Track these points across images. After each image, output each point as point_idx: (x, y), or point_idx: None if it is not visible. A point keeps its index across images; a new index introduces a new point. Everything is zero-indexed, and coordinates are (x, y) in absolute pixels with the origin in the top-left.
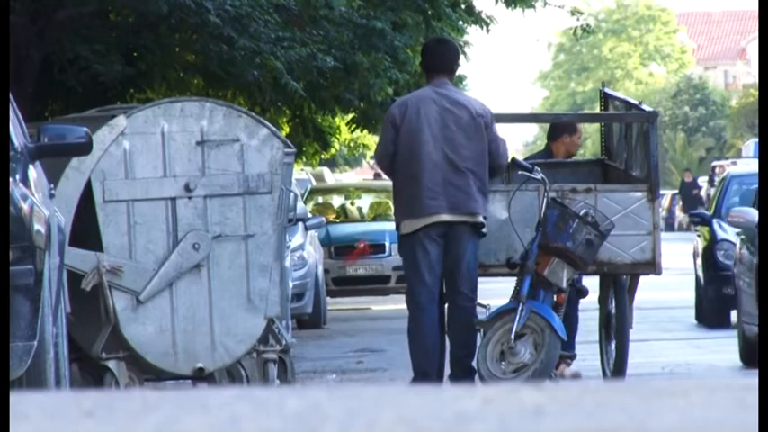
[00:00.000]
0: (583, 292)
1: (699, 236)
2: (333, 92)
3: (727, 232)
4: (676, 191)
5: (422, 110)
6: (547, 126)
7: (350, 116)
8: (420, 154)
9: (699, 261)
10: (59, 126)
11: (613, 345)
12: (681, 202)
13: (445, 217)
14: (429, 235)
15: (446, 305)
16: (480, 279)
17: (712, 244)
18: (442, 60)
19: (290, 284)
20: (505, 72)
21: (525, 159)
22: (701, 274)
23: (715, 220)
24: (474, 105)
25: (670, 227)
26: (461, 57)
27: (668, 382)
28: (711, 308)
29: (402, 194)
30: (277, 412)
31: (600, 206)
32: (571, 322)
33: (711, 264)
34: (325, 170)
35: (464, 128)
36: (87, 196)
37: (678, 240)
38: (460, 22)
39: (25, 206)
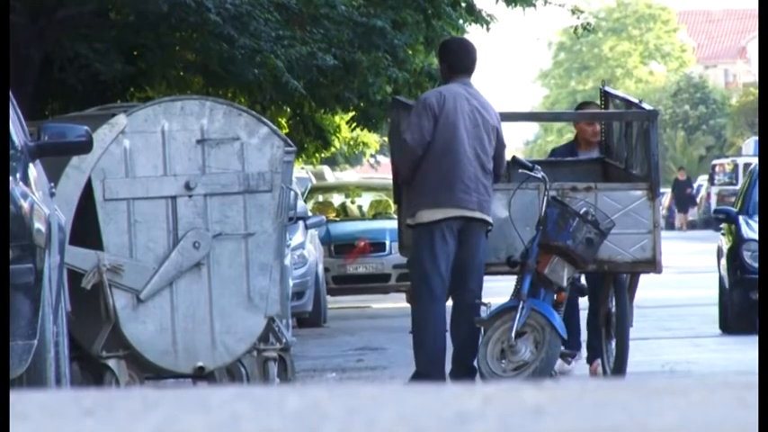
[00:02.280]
0: (583, 291)
1: (723, 234)
2: (333, 90)
3: (755, 230)
4: (669, 189)
5: (458, 105)
6: (547, 125)
7: (350, 115)
8: (458, 148)
9: (723, 262)
10: (60, 125)
11: (613, 343)
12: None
13: (470, 213)
14: (451, 227)
15: (451, 302)
16: None
17: (738, 243)
18: (471, 61)
19: (291, 283)
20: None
21: (553, 151)
22: (725, 276)
23: (741, 217)
24: (493, 110)
25: (670, 225)
26: None
27: (668, 380)
28: (737, 314)
29: (427, 184)
30: (277, 411)
31: (600, 205)
32: (574, 321)
33: (737, 265)
34: (326, 168)
35: (488, 130)
36: (88, 195)
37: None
38: (461, 21)
39: (25, 205)
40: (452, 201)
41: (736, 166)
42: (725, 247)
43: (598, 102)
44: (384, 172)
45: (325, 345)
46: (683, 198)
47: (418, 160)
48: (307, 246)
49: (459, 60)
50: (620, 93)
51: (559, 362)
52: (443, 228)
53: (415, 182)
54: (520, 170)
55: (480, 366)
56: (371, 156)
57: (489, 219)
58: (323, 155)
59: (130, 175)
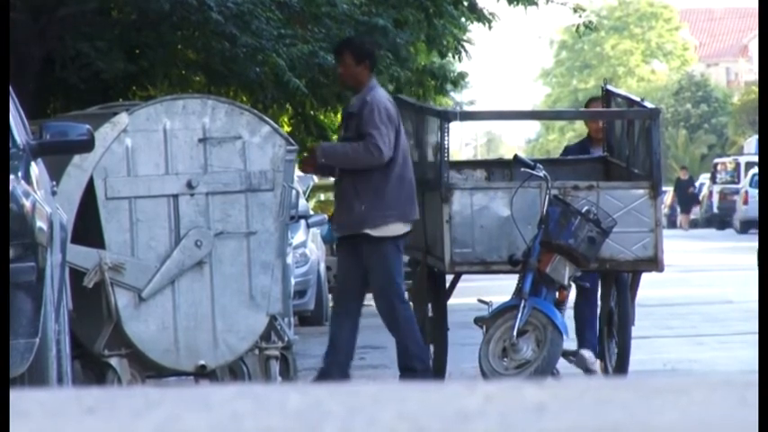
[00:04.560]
0: (585, 290)
1: None
2: (334, 89)
3: None
4: (672, 188)
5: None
6: (549, 124)
7: None
8: (410, 160)
9: None
10: (61, 123)
11: (615, 342)
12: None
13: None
14: (404, 239)
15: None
16: (482, 276)
17: None
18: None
19: (292, 281)
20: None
21: (566, 149)
22: None
23: None
24: None
25: (672, 224)
26: (463, 54)
27: (670, 379)
28: None
29: (394, 197)
30: (279, 409)
31: (602, 203)
32: (593, 321)
33: None
34: None
35: None
36: (89, 193)
37: (679, 238)
38: (462, 19)
39: (27, 203)
40: (412, 216)
41: (737, 164)
42: None
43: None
44: None
45: (326, 343)
46: (686, 197)
47: (385, 167)
48: (308, 244)
49: (374, 60)
50: (621, 91)
51: (587, 360)
52: (401, 243)
53: (381, 193)
54: (522, 169)
55: (482, 365)
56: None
57: None
58: None
59: (132, 174)
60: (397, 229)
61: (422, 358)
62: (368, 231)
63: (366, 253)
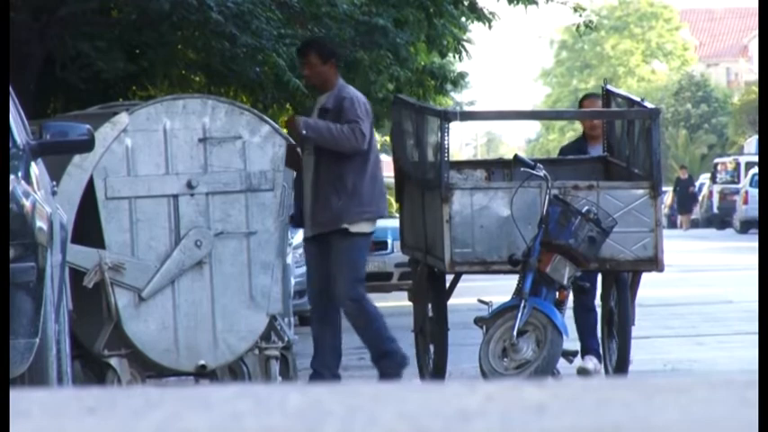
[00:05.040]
0: (585, 290)
1: None
2: None
3: None
4: (671, 188)
5: None
6: (549, 124)
7: None
8: (380, 160)
9: None
10: (62, 123)
11: (615, 342)
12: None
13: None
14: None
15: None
16: (482, 276)
17: None
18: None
19: (292, 281)
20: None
21: (562, 149)
22: None
23: None
24: None
25: (672, 224)
26: (463, 53)
27: (670, 379)
28: None
29: (368, 195)
30: (279, 409)
31: (602, 203)
32: (593, 324)
33: None
34: None
35: None
36: (89, 193)
37: (679, 238)
38: (462, 19)
39: (27, 203)
40: (386, 211)
41: (738, 164)
42: None
43: (600, 94)
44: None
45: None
46: (686, 197)
47: (362, 158)
48: None
49: (339, 58)
50: (622, 91)
51: (591, 364)
52: (370, 239)
53: (358, 191)
54: (522, 168)
55: (482, 364)
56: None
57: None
58: None
59: (132, 174)
60: (370, 226)
61: (395, 348)
62: (346, 226)
63: (338, 248)
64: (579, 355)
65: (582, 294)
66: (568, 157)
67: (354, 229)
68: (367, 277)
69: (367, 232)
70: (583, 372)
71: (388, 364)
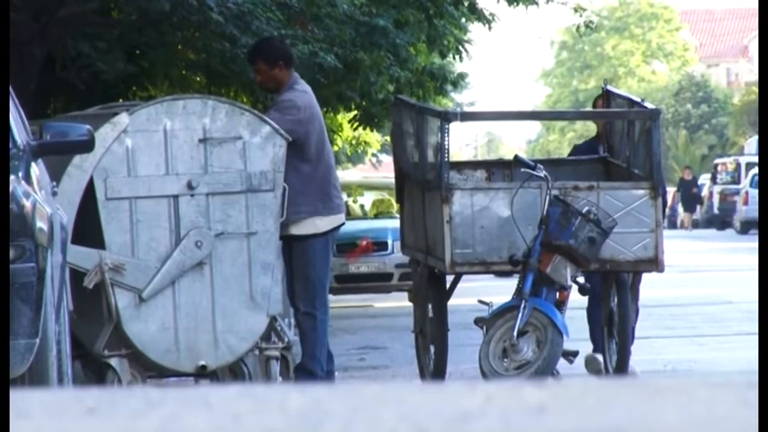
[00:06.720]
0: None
1: None
2: (335, 89)
3: None
4: (674, 188)
5: (317, 105)
6: (549, 124)
7: (352, 114)
8: (329, 147)
9: None
10: (62, 123)
11: (615, 342)
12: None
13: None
14: (333, 237)
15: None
16: (482, 276)
17: None
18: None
19: None
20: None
21: (577, 147)
22: None
23: None
24: None
25: (672, 225)
26: (463, 54)
27: (670, 379)
28: None
29: (314, 187)
30: (279, 410)
31: (602, 204)
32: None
33: None
34: None
35: None
36: (90, 194)
37: (680, 238)
38: (463, 20)
39: (27, 204)
40: (337, 207)
41: (738, 165)
42: None
43: None
44: (386, 171)
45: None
46: (689, 197)
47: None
48: None
49: (288, 57)
50: (622, 92)
51: (593, 362)
52: (330, 239)
53: (304, 181)
54: (522, 169)
55: (482, 365)
56: (373, 155)
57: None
58: None
59: (132, 174)
60: (327, 223)
61: (323, 366)
62: (293, 232)
63: (295, 251)
64: (582, 354)
65: (593, 298)
66: (568, 157)
67: (299, 231)
68: (367, 278)
69: (323, 232)
70: (591, 361)
71: (303, 378)
